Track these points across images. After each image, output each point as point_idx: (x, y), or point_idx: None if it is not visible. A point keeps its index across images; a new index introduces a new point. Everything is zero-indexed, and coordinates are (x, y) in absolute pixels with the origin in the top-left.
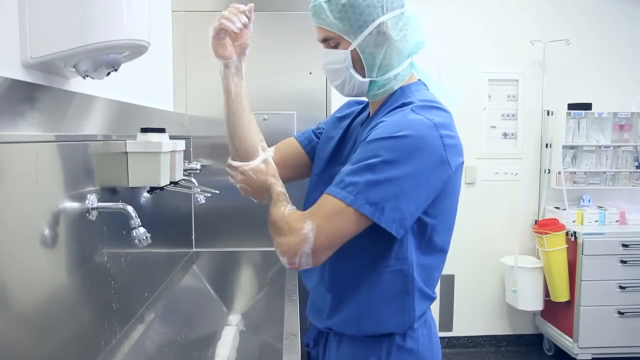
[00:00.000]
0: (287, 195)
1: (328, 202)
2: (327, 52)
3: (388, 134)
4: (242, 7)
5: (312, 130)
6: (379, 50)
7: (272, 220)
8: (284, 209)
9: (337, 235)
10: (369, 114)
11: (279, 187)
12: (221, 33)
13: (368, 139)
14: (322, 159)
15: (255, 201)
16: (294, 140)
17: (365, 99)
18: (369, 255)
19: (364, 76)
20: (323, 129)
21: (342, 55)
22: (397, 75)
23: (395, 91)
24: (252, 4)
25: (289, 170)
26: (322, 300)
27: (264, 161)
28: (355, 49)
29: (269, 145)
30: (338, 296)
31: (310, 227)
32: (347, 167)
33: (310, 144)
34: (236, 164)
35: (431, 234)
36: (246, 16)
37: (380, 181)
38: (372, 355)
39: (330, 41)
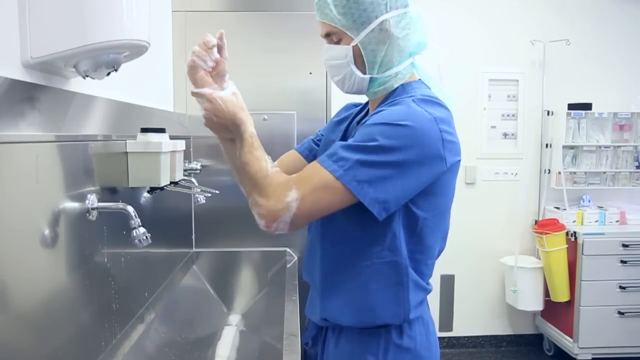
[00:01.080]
0: (259, 140)
1: (317, 172)
2: (329, 47)
3: (388, 120)
4: (212, 40)
5: (312, 139)
6: (381, 48)
7: (252, 174)
8: (267, 165)
9: (319, 207)
10: (367, 111)
11: (250, 126)
12: (195, 70)
13: (368, 122)
14: None
15: (217, 137)
16: (295, 152)
17: (364, 99)
18: (361, 246)
19: (364, 73)
20: (322, 135)
21: (343, 51)
22: (398, 74)
23: (396, 88)
24: (222, 31)
25: None
26: (315, 291)
27: (234, 93)
28: (357, 45)
29: (269, 148)
30: (332, 284)
31: (295, 196)
32: (342, 142)
33: (312, 153)
34: (205, 90)
35: (422, 228)
36: (219, 44)
37: (371, 162)
38: (370, 353)
39: (333, 36)
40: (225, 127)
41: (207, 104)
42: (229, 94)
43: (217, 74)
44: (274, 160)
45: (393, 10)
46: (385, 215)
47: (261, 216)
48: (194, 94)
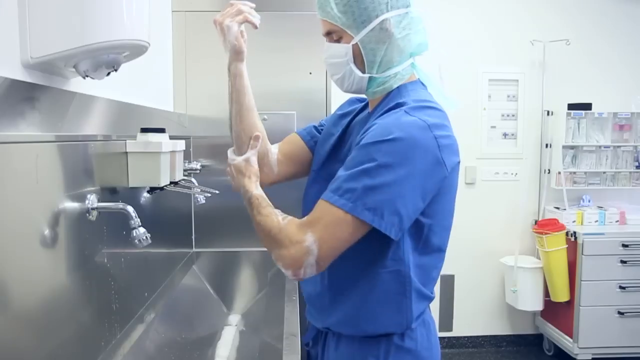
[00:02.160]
0: (265, 196)
1: (327, 210)
2: (329, 45)
3: (382, 137)
4: (250, 3)
5: (314, 126)
6: (381, 47)
7: (267, 232)
8: (277, 218)
9: (339, 243)
10: (368, 111)
11: (254, 190)
12: (241, 27)
13: (362, 142)
14: (321, 155)
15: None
16: (296, 135)
17: (364, 96)
18: (365, 257)
19: (363, 72)
20: (325, 125)
21: (343, 49)
22: (397, 74)
23: (393, 90)
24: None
25: (292, 166)
26: (319, 301)
27: (245, 160)
28: (357, 43)
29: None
30: (335, 296)
31: (313, 239)
32: (343, 173)
33: (313, 139)
34: (229, 155)
35: (428, 234)
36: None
37: (377, 186)
38: (371, 355)
39: (334, 35)
40: (240, 190)
41: (227, 168)
42: (240, 161)
43: (244, 40)
44: (277, 163)
45: (394, 9)
46: (401, 235)
47: (287, 266)
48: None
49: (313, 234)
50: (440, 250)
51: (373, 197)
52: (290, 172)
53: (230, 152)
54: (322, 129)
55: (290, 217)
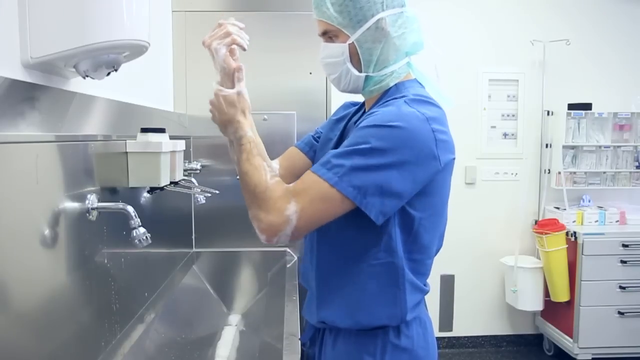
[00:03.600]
0: (258, 144)
1: (313, 182)
2: (325, 45)
3: (380, 122)
4: (239, 23)
5: (311, 136)
6: (377, 46)
7: (252, 187)
8: (265, 176)
9: (319, 217)
10: (364, 111)
11: (248, 130)
12: (230, 51)
13: (360, 125)
14: None
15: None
16: (295, 148)
17: (360, 98)
18: (357, 248)
19: (360, 71)
20: (321, 132)
21: (339, 49)
22: (393, 73)
23: (390, 88)
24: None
25: (295, 178)
26: (313, 292)
27: (237, 93)
28: (353, 43)
29: (269, 148)
30: (327, 288)
31: (294, 209)
32: (335, 150)
33: (312, 149)
34: (214, 86)
35: (418, 228)
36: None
37: (366, 167)
38: (367, 353)
39: (330, 34)
40: (225, 127)
41: (212, 100)
42: (233, 94)
43: (236, 58)
44: (276, 157)
45: (389, 9)
46: (384, 220)
47: (262, 231)
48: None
49: (296, 203)
50: (429, 249)
51: (360, 176)
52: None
53: (215, 83)
54: (319, 137)
55: (278, 178)
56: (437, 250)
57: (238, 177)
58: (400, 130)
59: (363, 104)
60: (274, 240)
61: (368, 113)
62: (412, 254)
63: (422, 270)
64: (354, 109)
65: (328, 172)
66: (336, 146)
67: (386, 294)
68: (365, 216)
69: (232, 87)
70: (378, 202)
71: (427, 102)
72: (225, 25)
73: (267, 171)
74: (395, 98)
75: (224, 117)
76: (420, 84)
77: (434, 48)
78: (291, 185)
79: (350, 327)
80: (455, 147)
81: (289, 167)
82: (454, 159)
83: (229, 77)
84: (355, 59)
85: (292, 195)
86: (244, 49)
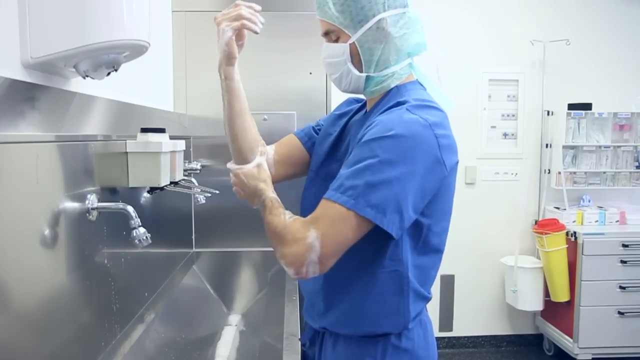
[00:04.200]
0: (280, 200)
1: (329, 208)
2: (327, 45)
3: (384, 134)
4: (256, 5)
5: (312, 127)
6: (378, 46)
7: (273, 230)
8: (284, 217)
9: (342, 240)
10: (365, 111)
11: (270, 193)
12: (235, 33)
13: (364, 139)
14: (320, 155)
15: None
16: (294, 137)
17: (362, 96)
18: (364, 256)
19: (361, 71)
20: (322, 125)
21: (340, 49)
22: (395, 73)
23: (391, 89)
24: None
25: (289, 167)
26: (316, 300)
27: (257, 165)
28: (354, 43)
29: (268, 144)
30: (332, 296)
31: (315, 236)
32: (345, 171)
33: (310, 140)
34: (231, 166)
35: (427, 234)
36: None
37: (379, 182)
38: (368, 355)
39: (332, 34)
40: (252, 198)
41: (234, 179)
42: (252, 168)
43: (241, 44)
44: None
45: (391, 9)
46: (401, 233)
47: (289, 264)
48: (229, 168)
49: (316, 231)
50: (439, 251)
51: (375, 194)
52: (287, 173)
53: (231, 164)
54: (319, 129)
55: (296, 216)
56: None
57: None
58: (404, 139)
59: (366, 102)
60: (303, 271)
61: (369, 123)
62: (420, 260)
63: (431, 275)
64: (356, 106)
65: (342, 195)
66: (335, 142)
67: (390, 302)
68: (374, 226)
69: (230, 73)
70: (397, 218)
71: (429, 106)
72: (240, 7)
73: (286, 214)
74: (398, 102)
75: (249, 191)
76: (421, 85)
77: (436, 49)
78: (308, 216)
79: (352, 335)
80: (458, 149)
81: (283, 153)
82: (457, 162)
83: (228, 61)
84: (356, 59)
85: (310, 224)
86: (256, 33)
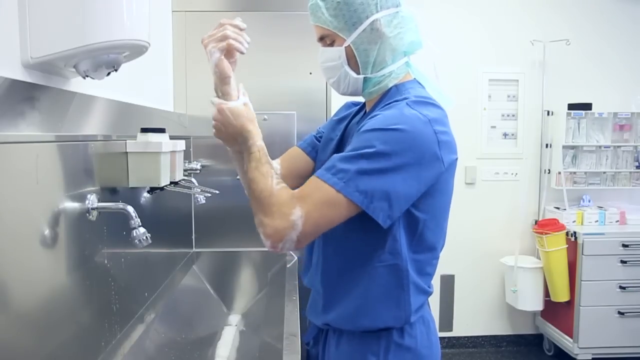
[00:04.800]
0: (267, 153)
1: (318, 187)
2: (323, 50)
3: (383, 126)
4: (241, 24)
5: (313, 136)
6: (373, 47)
7: (258, 192)
8: (271, 181)
9: (324, 222)
10: (365, 112)
11: (258, 139)
12: (230, 54)
13: (363, 129)
14: (323, 160)
15: (228, 148)
16: (297, 149)
17: (361, 99)
18: (362, 251)
19: (358, 73)
20: (323, 132)
21: (336, 53)
22: (392, 73)
23: (390, 89)
24: (239, 18)
25: (296, 179)
26: (318, 296)
27: (244, 104)
28: (349, 45)
29: (269, 148)
30: (333, 291)
31: (300, 214)
32: (339, 154)
33: (314, 149)
34: (215, 100)
35: (423, 229)
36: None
37: (371, 171)
38: (371, 352)
39: (327, 39)
40: (234, 139)
41: (216, 114)
42: (240, 105)
43: (233, 61)
44: (276, 158)
45: (384, 10)
46: (390, 223)
47: (267, 236)
48: (211, 102)
49: (301, 208)
50: (434, 249)
51: (366, 181)
52: (296, 185)
53: (215, 98)
54: (320, 137)
55: (284, 184)
56: (441, 248)
57: (242, 182)
58: (403, 133)
59: (364, 104)
60: (279, 246)
61: (369, 116)
62: (417, 254)
63: (426, 270)
64: (355, 109)
65: (333, 177)
66: (337, 147)
67: (390, 296)
68: (371, 219)
69: (227, 91)
70: (385, 206)
71: (429, 103)
72: (225, 27)
73: (273, 178)
74: (397, 100)
75: (232, 130)
76: (420, 84)
77: (433, 47)
78: (296, 190)
79: (355, 330)
80: (457, 147)
81: (290, 167)
82: (456, 159)
83: (222, 81)
84: (352, 61)
85: (297, 201)
86: (242, 53)
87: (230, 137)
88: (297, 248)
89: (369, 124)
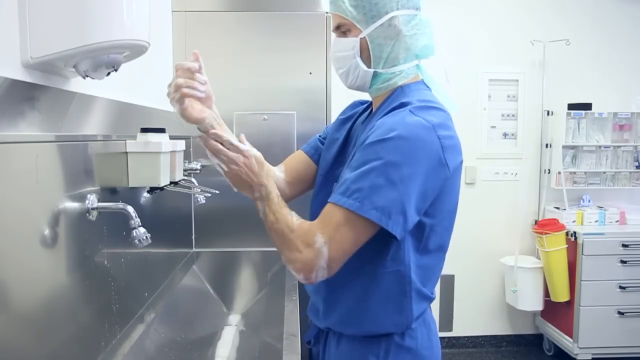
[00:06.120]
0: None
1: (335, 212)
2: (337, 40)
3: (387, 136)
4: (194, 65)
5: (317, 138)
6: (388, 43)
7: (280, 231)
8: (292, 219)
9: (348, 244)
10: (370, 111)
11: (274, 187)
12: (185, 103)
13: (367, 141)
14: (328, 160)
15: (235, 190)
16: (301, 153)
17: (366, 96)
18: (365, 256)
19: (369, 67)
20: (328, 132)
21: (351, 43)
22: (402, 72)
23: (396, 89)
24: (196, 51)
25: (300, 184)
26: (319, 300)
27: (259, 155)
28: (364, 38)
29: (269, 148)
30: (334, 296)
31: (323, 241)
32: (349, 174)
33: (317, 152)
34: (242, 146)
35: (429, 234)
36: (199, 65)
37: (383, 184)
38: (371, 353)
39: (343, 28)
40: (250, 187)
41: (235, 158)
42: (258, 153)
43: (206, 97)
44: (278, 163)
45: (404, 9)
46: (405, 234)
47: (298, 270)
48: (230, 147)
49: (323, 235)
50: (442, 251)
51: (380, 196)
52: (301, 190)
53: (239, 143)
54: (325, 138)
55: (301, 219)
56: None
57: (265, 226)
58: (407, 141)
59: (370, 104)
60: (312, 277)
61: (372, 125)
62: (424, 259)
63: (431, 275)
64: (361, 108)
65: (348, 199)
66: (341, 147)
67: (393, 302)
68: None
69: (218, 134)
70: (402, 219)
71: (432, 107)
72: (178, 75)
73: (292, 215)
74: (402, 103)
75: (256, 180)
76: (426, 85)
77: (445, 54)
78: (315, 221)
79: (355, 335)
80: (461, 148)
81: (294, 173)
82: (462, 161)
83: (199, 124)
84: (365, 54)
85: (317, 229)
86: (199, 98)
87: (246, 184)
88: (330, 275)
89: (373, 135)
